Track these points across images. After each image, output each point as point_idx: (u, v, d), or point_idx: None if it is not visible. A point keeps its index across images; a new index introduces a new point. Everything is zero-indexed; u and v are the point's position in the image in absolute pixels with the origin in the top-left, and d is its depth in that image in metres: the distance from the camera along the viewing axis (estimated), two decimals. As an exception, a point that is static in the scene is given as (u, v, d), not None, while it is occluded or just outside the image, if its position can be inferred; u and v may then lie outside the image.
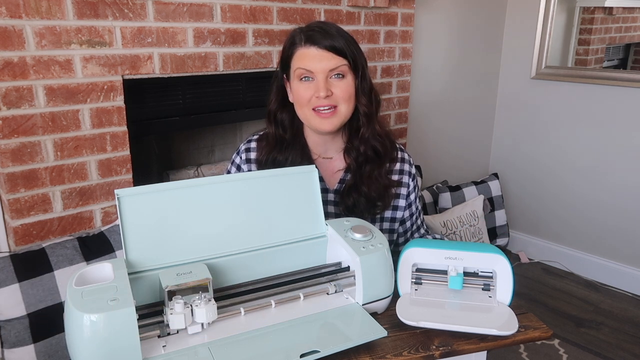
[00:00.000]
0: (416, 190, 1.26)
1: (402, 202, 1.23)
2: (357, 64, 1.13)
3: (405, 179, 1.23)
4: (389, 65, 2.22)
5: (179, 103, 1.67)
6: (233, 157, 1.25)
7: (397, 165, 1.23)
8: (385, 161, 1.20)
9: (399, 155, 1.24)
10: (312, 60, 1.09)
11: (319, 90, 1.08)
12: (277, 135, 1.18)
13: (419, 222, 1.29)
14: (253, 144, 1.22)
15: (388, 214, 1.22)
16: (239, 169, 1.22)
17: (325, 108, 1.10)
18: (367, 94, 1.15)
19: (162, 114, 1.66)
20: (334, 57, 1.09)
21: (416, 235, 1.29)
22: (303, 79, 1.11)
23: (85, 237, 1.42)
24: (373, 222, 1.21)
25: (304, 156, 1.17)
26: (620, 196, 2.56)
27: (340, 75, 1.10)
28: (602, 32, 2.69)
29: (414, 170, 1.26)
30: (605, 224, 2.64)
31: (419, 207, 1.29)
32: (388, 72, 2.23)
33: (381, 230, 1.23)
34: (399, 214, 1.24)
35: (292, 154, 1.16)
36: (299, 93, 1.11)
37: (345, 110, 1.12)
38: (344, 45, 1.10)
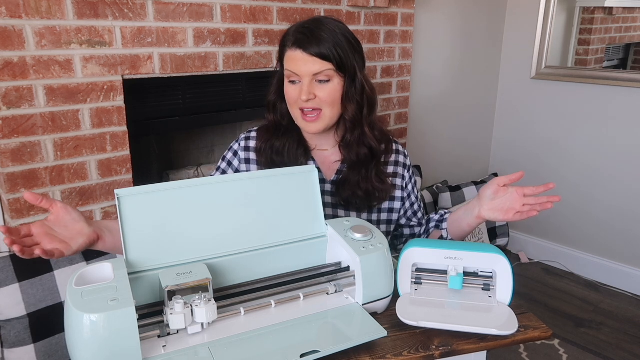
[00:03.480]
0: (412, 181, 1.28)
1: (398, 193, 1.25)
2: (345, 67, 1.11)
3: (400, 170, 1.25)
4: (389, 65, 2.22)
5: (179, 103, 1.67)
6: (231, 144, 1.26)
7: (392, 157, 1.25)
8: (379, 162, 1.21)
9: (393, 147, 1.26)
10: (298, 63, 1.10)
11: (302, 93, 1.10)
12: (275, 122, 1.20)
13: (415, 207, 1.30)
14: (253, 134, 1.24)
15: (385, 205, 1.24)
16: (235, 154, 1.23)
17: (309, 110, 1.12)
18: (354, 100, 1.13)
19: (162, 114, 1.66)
20: (319, 61, 1.09)
21: (414, 221, 1.29)
22: (290, 81, 1.13)
23: (85, 237, 1.42)
24: (370, 213, 1.22)
25: (300, 143, 1.19)
26: (620, 196, 2.56)
27: (325, 80, 1.10)
28: (602, 32, 2.69)
29: (409, 162, 1.28)
30: (605, 224, 2.64)
31: (417, 195, 1.30)
32: (388, 72, 2.23)
33: (379, 221, 1.24)
34: (396, 205, 1.25)
35: (289, 141, 1.18)
36: (288, 93, 1.14)
37: (330, 113, 1.12)
38: (329, 50, 1.08)
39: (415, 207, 1.29)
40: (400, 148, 1.27)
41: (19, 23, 1.27)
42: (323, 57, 1.09)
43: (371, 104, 1.17)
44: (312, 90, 1.10)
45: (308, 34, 1.10)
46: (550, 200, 1.05)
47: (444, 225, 1.20)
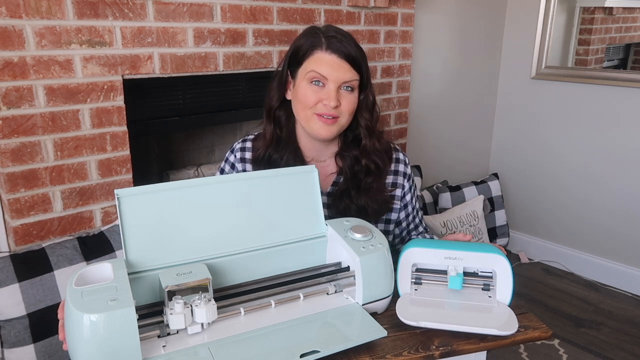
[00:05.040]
0: (412, 190, 1.26)
1: (397, 204, 1.23)
2: (368, 81, 1.14)
3: (400, 179, 1.23)
4: (389, 65, 2.22)
5: (179, 103, 1.67)
6: (227, 155, 1.24)
7: (392, 166, 1.23)
8: (384, 175, 1.20)
9: (394, 156, 1.24)
10: (330, 67, 1.08)
11: (329, 99, 1.08)
12: (274, 133, 1.18)
13: (416, 220, 1.29)
14: (248, 144, 1.22)
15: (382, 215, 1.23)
16: (233, 167, 1.22)
17: (329, 117, 1.10)
18: (369, 110, 1.16)
19: (162, 114, 1.66)
20: (351, 70, 1.09)
21: (413, 234, 1.28)
22: (313, 82, 1.10)
23: (85, 237, 1.42)
24: (387, 222, 1.22)
25: (297, 158, 1.17)
26: (620, 196, 2.56)
27: (350, 89, 1.11)
28: (602, 32, 2.69)
29: (409, 171, 1.26)
30: (605, 224, 2.64)
31: (417, 207, 1.28)
32: (388, 72, 2.23)
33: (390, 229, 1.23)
34: (393, 216, 1.23)
35: (287, 154, 1.16)
36: (306, 95, 1.11)
37: (345, 122, 1.13)
38: (360, 60, 1.11)
39: (410, 219, 1.27)
40: (401, 156, 1.25)
41: (19, 23, 1.27)
42: (357, 67, 1.10)
43: (378, 115, 1.20)
44: (338, 96, 1.09)
45: (344, 41, 1.10)
46: None
47: None
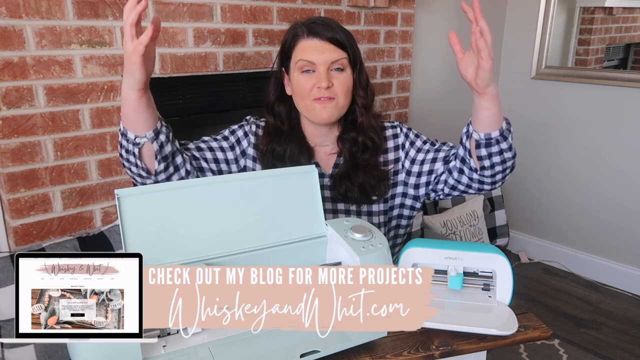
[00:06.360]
0: (419, 142, 1.23)
1: (400, 177, 1.22)
2: (356, 58, 1.16)
3: (400, 153, 1.22)
4: (389, 65, 2.22)
5: (179, 103, 1.67)
6: (243, 123, 1.24)
7: (391, 143, 1.23)
8: (380, 151, 1.21)
9: (390, 132, 1.23)
10: (315, 52, 1.11)
11: (320, 80, 1.10)
12: (275, 127, 1.20)
13: (442, 146, 1.24)
14: (261, 130, 1.23)
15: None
16: (246, 135, 1.21)
17: (325, 99, 1.12)
18: (364, 87, 1.18)
19: (162, 114, 1.64)
20: (336, 49, 1.11)
21: (452, 160, 1.18)
22: (304, 71, 1.12)
23: (85, 237, 1.42)
24: (371, 204, 1.20)
25: (302, 146, 1.19)
26: (620, 196, 2.56)
27: (340, 69, 1.13)
28: (602, 32, 2.69)
29: (405, 128, 1.24)
30: (605, 224, 2.64)
31: (432, 140, 1.27)
32: (388, 72, 2.23)
33: (379, 211, 1.22)
34: (398, 190, 1.23)
35: (291, 145, 1.18)
36: (300, 85, 1.13)
37: (343, 102, 1.14)
38: (344, 39, 1.13)
39: (439, 147, 1.23)
40: (398, 130, 1.24)
41: (19, 23, 1.27)
42: (340, 45, 1.12)
43: (372, 93, 1.21)
44: (329, 77, 1.11)
45: (322, 24, 1.12)
46: (478, 31, 0.97)
47: (466, 142, 1.12)
